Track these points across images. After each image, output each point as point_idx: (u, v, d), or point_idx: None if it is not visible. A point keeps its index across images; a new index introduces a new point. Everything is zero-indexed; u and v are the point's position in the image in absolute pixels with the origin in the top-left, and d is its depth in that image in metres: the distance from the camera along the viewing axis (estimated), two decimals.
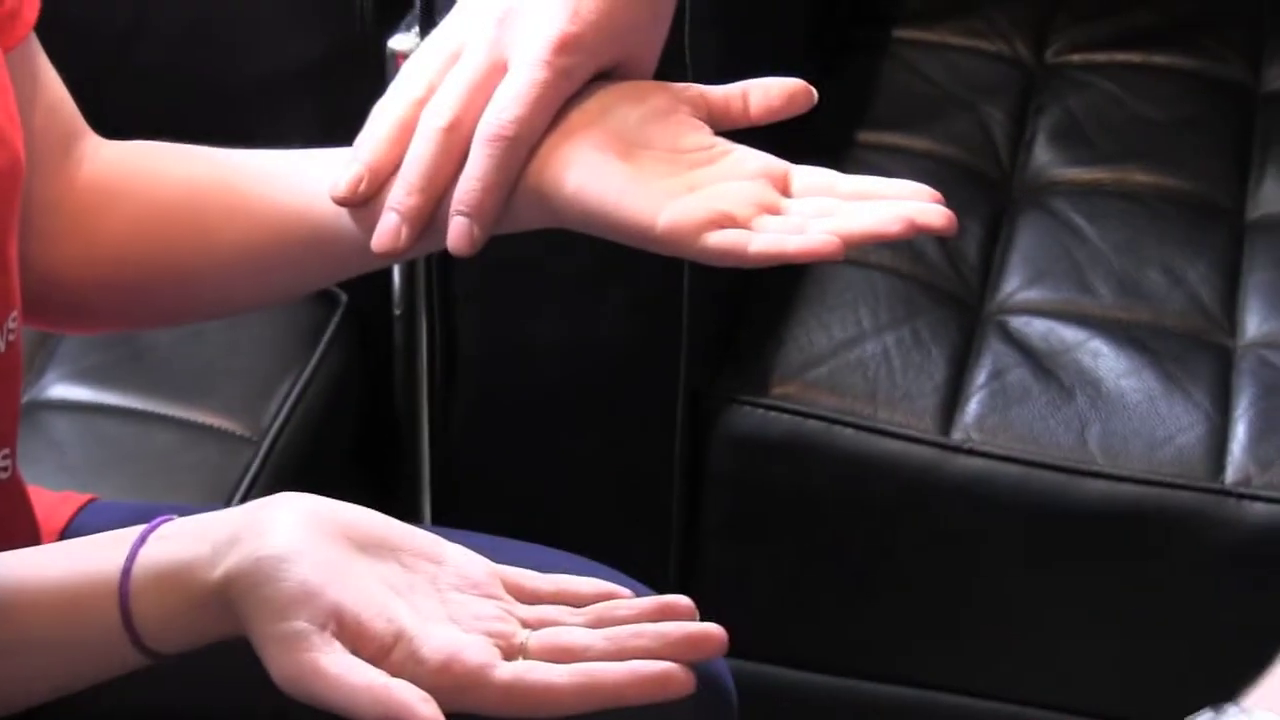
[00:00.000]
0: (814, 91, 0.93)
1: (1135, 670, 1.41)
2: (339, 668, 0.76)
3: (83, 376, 1.36)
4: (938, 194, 0.89)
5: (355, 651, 0.76)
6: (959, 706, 1.46)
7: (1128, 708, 1.42)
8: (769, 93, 0.93)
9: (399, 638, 0.77)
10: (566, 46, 0.88)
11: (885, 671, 1.47)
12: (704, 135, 0.91)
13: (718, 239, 0.86)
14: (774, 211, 0.88)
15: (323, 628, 0.76)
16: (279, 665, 0.77)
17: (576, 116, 0.91)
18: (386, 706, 0.75)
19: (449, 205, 0.88)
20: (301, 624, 0.76)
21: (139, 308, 1.01)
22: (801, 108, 0.93)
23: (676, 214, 0.86)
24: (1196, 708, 1.48)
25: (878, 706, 1.48)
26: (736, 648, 0.81)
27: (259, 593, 0.77)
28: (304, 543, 0.78)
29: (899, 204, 0.87)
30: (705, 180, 0.89)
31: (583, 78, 0.89)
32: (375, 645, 0.77)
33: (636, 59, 0.91)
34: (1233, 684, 1.45)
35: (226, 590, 0.78)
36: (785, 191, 0.90)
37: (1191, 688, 1.40)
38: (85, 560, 0.80)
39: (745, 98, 0.93)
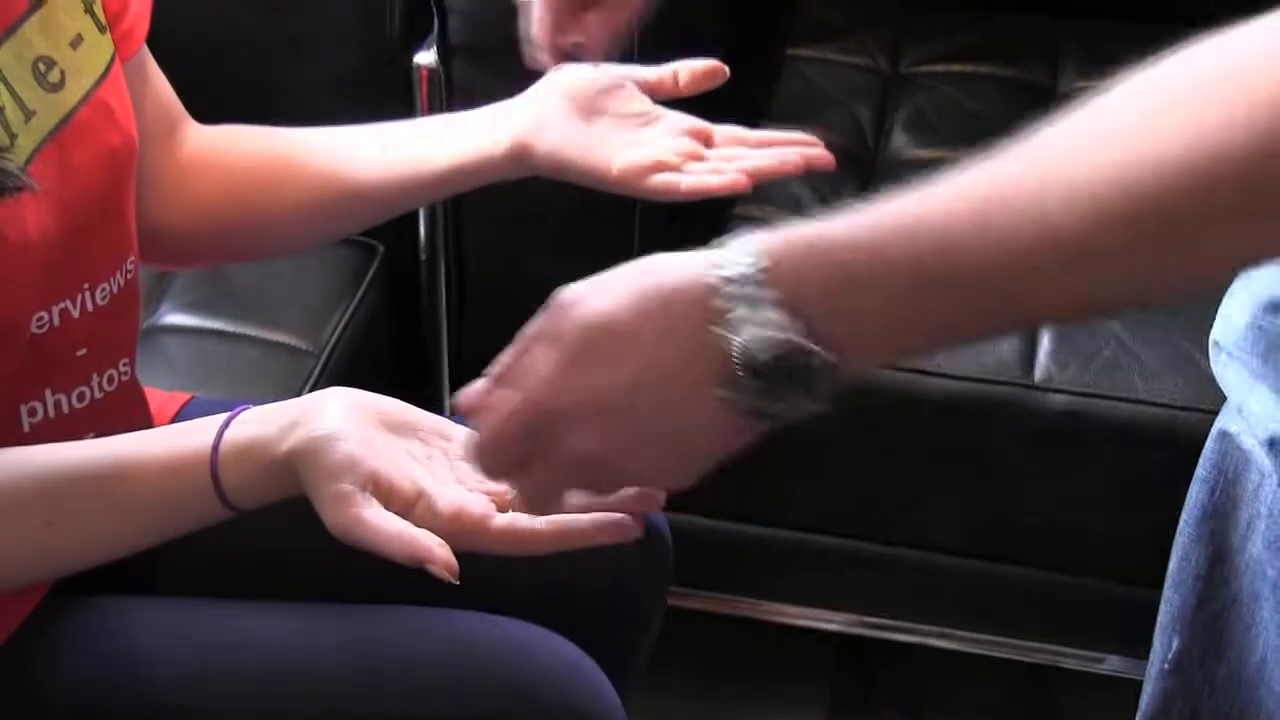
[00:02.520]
0: (727, 69, 0.95)
1: (980, 516, 1.40)
2: (376, 519, 0.75)
3: (187, 308, 1.35)
4: (819, 140, 0.92)
5: (387, 506, 0.76)
6: (844, 547, 1.45)
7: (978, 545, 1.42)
8: (694, 70, 0.95)
9: (420, 495, 0.77)
10: None
11: (775, 518, 1.46)
12: (645, 104, 0.93)
13: (657, 180, 0.89)
14: (699, 159, 0.90)
15: (363, 488, 0.75)
16: (331, 518, 0.75)
17: (549, 91, 0.92)
18: (412, 549, 0.74)
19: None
20: (347, 486, 0.75)
21: (224, 248, 1.01)
22: (718, 81, 0.96)
23: (626, 162, 0.89)
24: (1020, 544, 1.48)
25: (775, 547, 1.46)
26: (673, 503, 0.80)
27: (316, 462, 0.76)
28: (348, 424, 0.77)
29: (793, 148, 0.90)
30: (647, 138, 0.91)
31: None
32: (402, 501, 0.76)
33: None
34: (1034, 525, 1.44)
35: (290, 460, 0.77)
36: (708, 144, 0.92)
37: (1015, 528, 1.40)
38: (183, 439, 0.79)
39: (675, 75, 0.94)
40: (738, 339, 0.60)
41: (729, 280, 0.61)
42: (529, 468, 0.67)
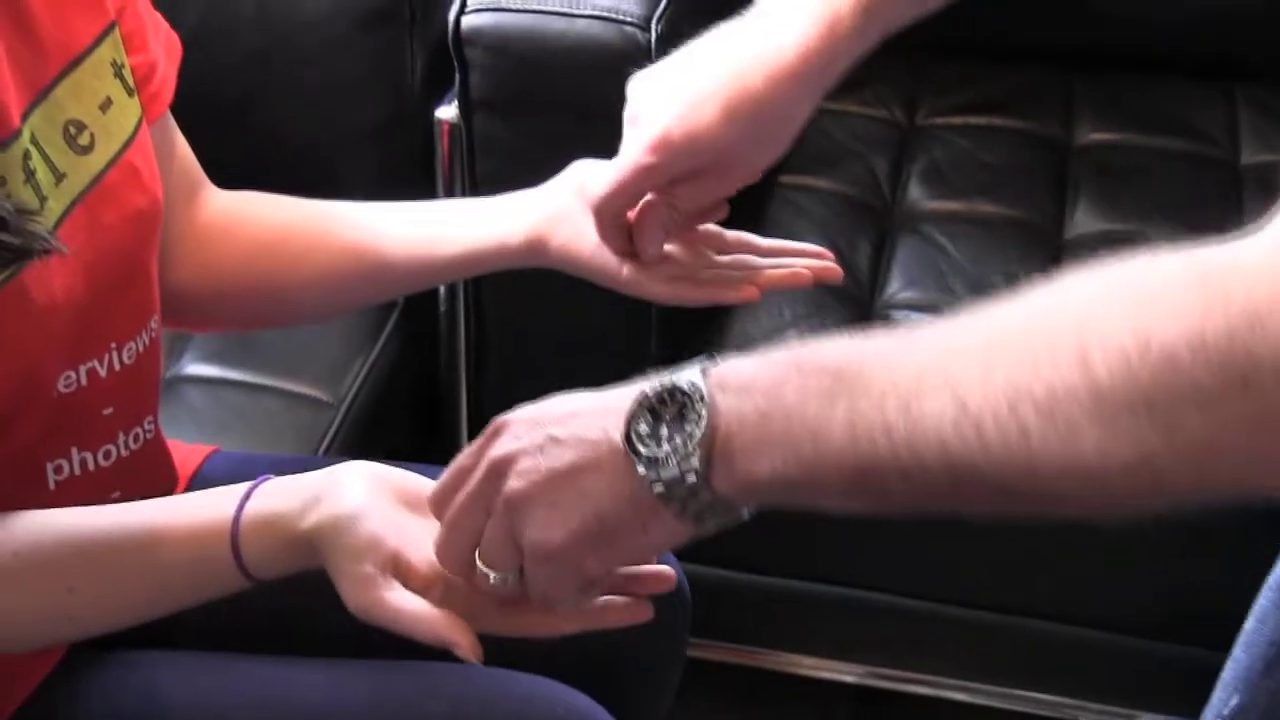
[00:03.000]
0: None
1: (1005, 569, 1.39)
2: (398, 602, 0.75)
3: (209, 358, 1.35)
4: (829, 253, 0.92)
5: (405, 585, 0.76)
6: (865, 599, 1.44)
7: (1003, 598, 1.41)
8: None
9: (438, 577, 0.77)
10: (657, 148, 0.84)
11: (795, 569, 1.45)
12: None
13: (667, 286, 0.89)
14: (710, 265, 0.88)
15: (384, 570, 0.75)
16: (354, 599, 0.76)
17: (567, 187, 0.90)
18: (437, 631, 0.74)
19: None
20: (369, 568, 0.75)
21: (241, 316, 1.01)
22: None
23: (637, 265, 0.88)
24: (1045, 598, 1.46)
25: (795, 598, 1.46)
26: (692, 554, 0.80)
27: (338, 542, 0.76)
28: (369, 502, 0.77)
29: (804, 259, 0.90)
30: None
31: (669, 173, 0.86)
32: (420, 581, 0.76)
33: (725, 169, 0.86)
34: (1060, 578, 1.43)
35: (312, 537, 0.77)
36: (719, 249, 0.90)
37: (1040, 581, 1.39)
38: (205, 509, 0.80)
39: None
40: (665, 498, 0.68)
41: (666, 487, 0.67)
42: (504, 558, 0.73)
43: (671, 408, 0.67)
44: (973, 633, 1.42)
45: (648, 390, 0.68)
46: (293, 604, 0.92)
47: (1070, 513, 0.61)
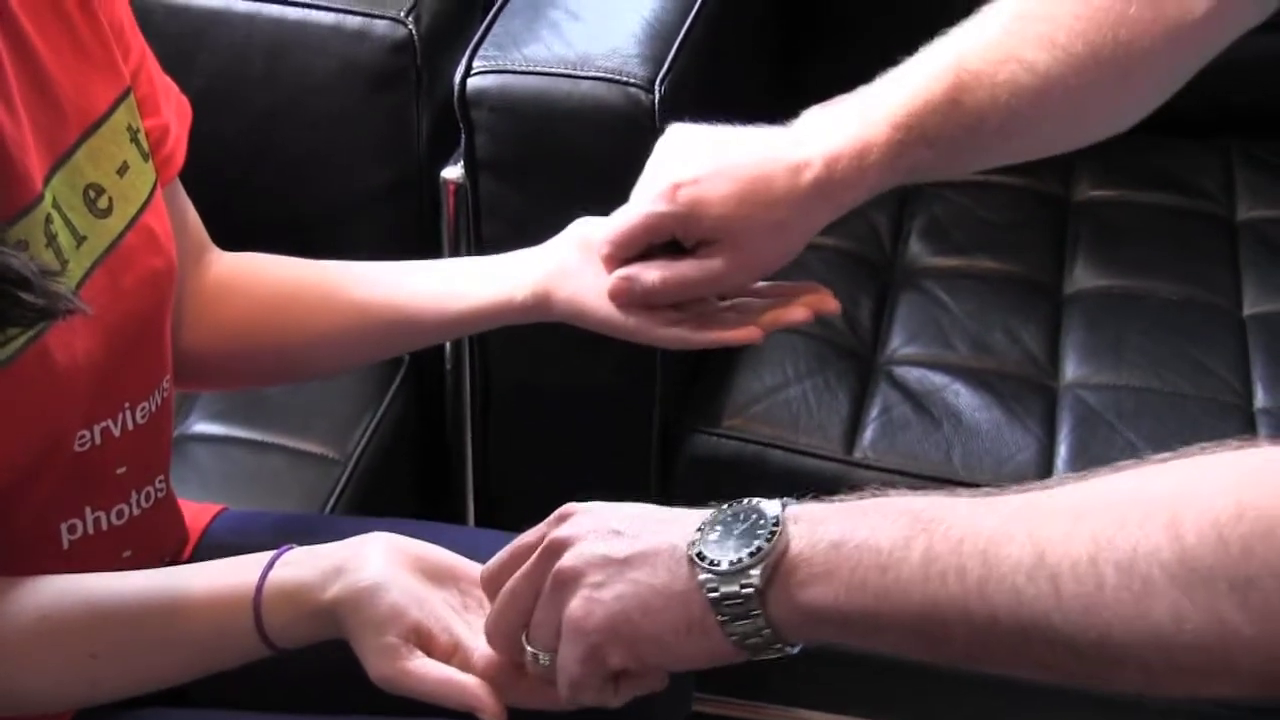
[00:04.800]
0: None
1: None
2: (422, 670, 0.76)
3: (216, 417, 1.36)
4: (826, 289, 0.93)
5: (427, 653, 0.76)
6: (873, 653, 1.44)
7: None
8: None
9: (456, 648, 0.77)
10: (664, 197, 0.86)
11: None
12: None
13: (671, 331, 0.90)
14: (711, 310, 0.90)
15: (406, 640, 0.76)
16: (377, 670, 0.77)
17: (570, 241, 0.92)
18: (462, 697, 0.75)
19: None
20: (392, 639, 0.76)
21: (251, 374, 1.02)
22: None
23: (641, 314, 0.89)
24: None
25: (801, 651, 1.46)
26: None
27: (361, 614, 0.77)
28: (391, 574, 0.78)
29: (803, 296, 0.91)
30: None
31: (669, 227, 0.87)
32: (440, 653, 0.77)
33: (731, 253, 0.87)
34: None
35: (334, 609, 0.78)
36: (720, 294, 0.91)
37: None
38: (228, 578, 0.80)
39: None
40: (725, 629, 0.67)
41: (721, 601, 0.66)
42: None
43: (743, 524, 0.67)
44: (979, 688, 1.42)
45: (724, 506, 0.68)
46: (303, 661, 0.92)
47: (1133, 684, 0.59)
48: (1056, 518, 0.60)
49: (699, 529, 0.68)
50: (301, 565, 0.79)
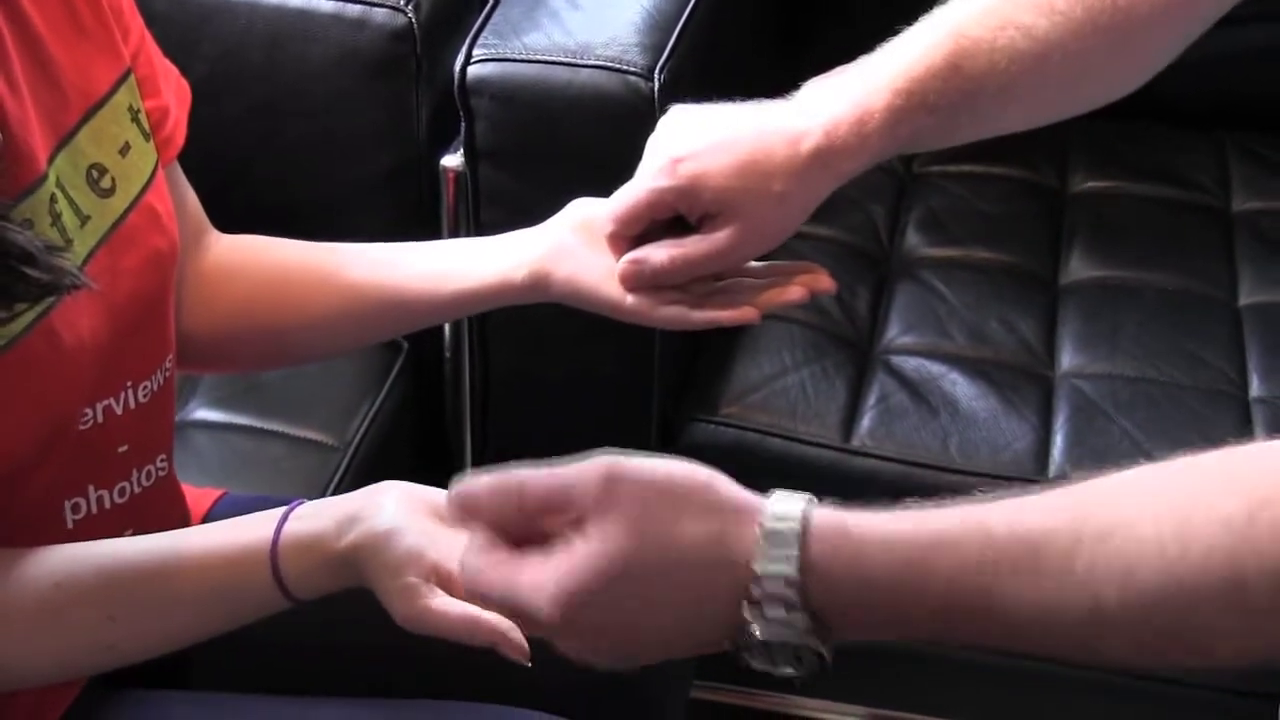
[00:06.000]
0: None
1: None
2: (444, 606, 0.77)
3: (216, 403, 1.36)
4: (821, 268, 0.92)
5: (447, 593, 0.77)
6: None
7: None
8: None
9: None
10: (665, 172, 0.86)
11: None
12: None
13: (669, 311, 0.89)
14: (709, 289, 0.90)
15: (426, 580, 0.77)
16: (401, 611, 0.78)
17: (567, 222, 0.92)
18: (483, 632, 0.76)
19: None
20: (412, 579, 0.77)
21: (250, 356, 1.02)
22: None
23: (641, 294, 0.89)
24: None
25: None
26: None
27: (379, 557, 0.78)
28: (406, 518, 0.79)
29: (799, 275, 0.91)
30: None
31: (672, 202, 0.87)
32: (460, 592, 0.77)
33: (732, 223, 0.87)
34: None
35: (351, 555, 0.79)
36: (717, 274, 0.91)
37: None
38: (241, 533, 0.81)
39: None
40: (758, 634, 0.63)
41: (761, 581, 0.63)
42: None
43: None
44: (978, 675, 1.43)
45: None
46: (306, 640, 0.92)
47: (1225, 660, 0.60)
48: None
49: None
50: (317, 517, 0.80)
